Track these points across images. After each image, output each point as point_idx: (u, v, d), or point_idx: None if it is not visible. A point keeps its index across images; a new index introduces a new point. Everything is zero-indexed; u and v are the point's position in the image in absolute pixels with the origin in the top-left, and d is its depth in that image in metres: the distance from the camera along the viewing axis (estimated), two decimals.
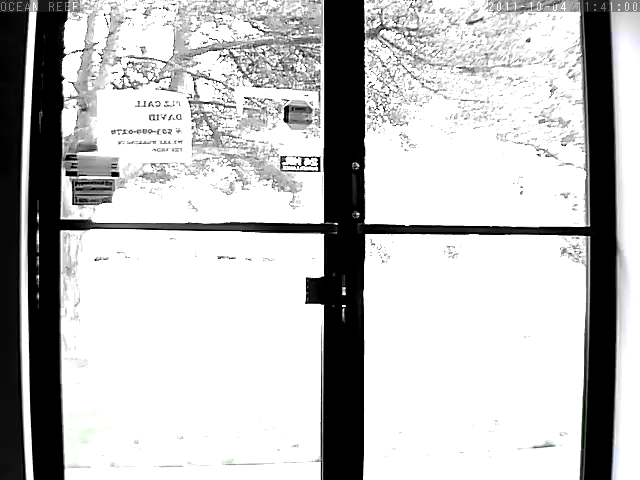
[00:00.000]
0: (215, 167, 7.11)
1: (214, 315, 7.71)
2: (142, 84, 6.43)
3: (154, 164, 6.70)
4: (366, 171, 2.74)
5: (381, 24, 6.40)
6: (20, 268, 2.47)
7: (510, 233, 5.04)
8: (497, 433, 5.75)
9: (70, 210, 3.20)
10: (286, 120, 2.82)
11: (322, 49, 2.77)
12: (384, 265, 7.80)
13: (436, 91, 6.75)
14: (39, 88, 2.55)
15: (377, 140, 6.69)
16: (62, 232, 2.64)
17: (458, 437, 5.63)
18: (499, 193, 7.46)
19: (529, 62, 6.69)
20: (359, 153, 2.74)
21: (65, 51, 2.67)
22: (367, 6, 2.88)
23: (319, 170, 2.77)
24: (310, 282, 2.70)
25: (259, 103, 6.05)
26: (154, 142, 2.75)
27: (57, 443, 2.61)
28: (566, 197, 7.38)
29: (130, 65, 6.44)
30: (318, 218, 2.74)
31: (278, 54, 6.56)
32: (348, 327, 2.70)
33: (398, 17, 6.44)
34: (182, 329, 7.42)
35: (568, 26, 6.32)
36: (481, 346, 7.51)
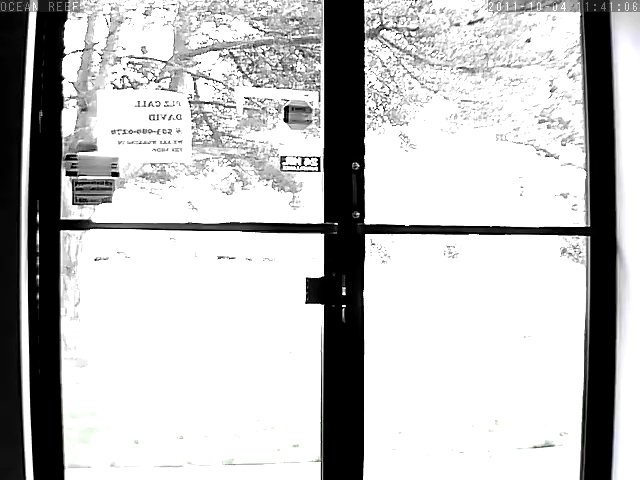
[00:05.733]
0: (215, 167, 7.11)
1: (214, 315, 7.71)
2: (142, 84, 6.43)
3: (154, 164, 6.69)
4: (366, 171, 2.74)
5: (381, 24, 6.40)
6: (20, 268, 2.47)
7: (510, 233, 5.04)
8: (497, 433, 5.75)
9: (70, 210, 3.20)
10: (286, 120, 2.83)
11: (322, 49, 2.77)
12: (384, 265, 7.80)
13: (436, 91, 6.75)
14: (39, 88, 2.55)
15: (377, 140, 6.69)
16: (62, 232, 2.64)
17: (458, 437, 5.63)
18: (499, 193, 7.46)
19: (529, 62, 6.69)
20: (359, 153, 2.75)
21: (65, 51, 2.67)
22: (367, 6, 2.88)
23: (319, 170, 2.77)
24: (310, 282, 2.70)
25: (259, 103, 6.05)
26: (154, 142, 2.75)
27: (57, 443, 2.61)
28: (566, 197, 7.37)
29: (130, 65, 6.44)
30: (318, 218, 2.74)
31: (278, 54, 6.55)
32: (348, 327, 2.70)
33: (398, 17, 6.44)
34: (182, 329, 7.42)
35: (568, 26, 6.32)
36: (481, 346, 7.51)
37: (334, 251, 2.71)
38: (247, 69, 6.62)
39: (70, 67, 6.20)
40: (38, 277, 2.57)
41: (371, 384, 2.79)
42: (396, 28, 6.49)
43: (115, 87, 6.35)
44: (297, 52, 6.54)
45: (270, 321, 7.53)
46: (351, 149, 2.74)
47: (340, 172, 2.72)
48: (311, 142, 2.84)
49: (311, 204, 6.65)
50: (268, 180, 6.98)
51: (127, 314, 7.70)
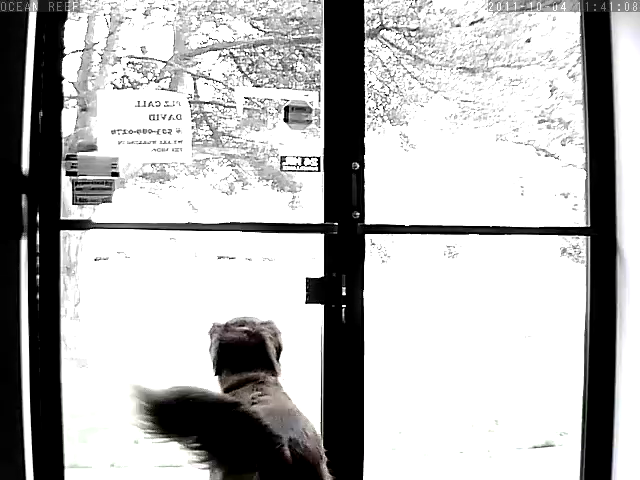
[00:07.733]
0: (215, 167, 7.11)
1: (214, 315, 7.69)
2: (142, 84, 6.43)
3: (154, 164, 6.70)
4: (366, 171, 2.74)
5: (381, 24, 6.40)
6: (20, 268, 2.46)
7: (510, 233, 5.05)
8: (497, 433, 5.74)
9: (70, 210, 3.20)
10: (286, 120, 2.83)
11: (322, 49, 2.77)
12: (384, 265, 7.80)
13: (436, 91, 6.75)
14: (39, 88, 2.55)
15: (377, 140, 6.69)
16: (62, 232, 2.64)
17: (458, 437, 5.63)
18: (499, 193, 7.46)
19: (529, 62, 6.69)
20: (359, 153, 2.75)
21: (65, 51, 2.67)
22: (367, 6, 2.88)
23: (319, 170, 2.77)
24: (310, 282, 2.70)
25: (259, 103, 6.05)
26: (154, 142, 2.76)
27: (57, 443, 2.61)
28: (566, 197, 7.37)
29: (130, 65, 6.44)
30: (318, 218, 2.74)
31: (278, 54, 6.55)
32: (348, 327, 2.70)
33: (398, 17, 6.44)
34: (182, 329, 7.41)
35: (568, 26, 6.31)
36: (481, 346, 7.51)
37: (334, 251, 2.71)
38: (247, 69, 6.61)
39: (70, 67, 6.20)
40: (38, 277, 2.56)
41: (371, 384, 2.79)
42: (396, 28, 6.49)
43: (115, 87, 6.35)
44: (297, 52, 6.54)
45: None
46: (351, 149, 2.74)
47: (340, 172, 2.72)
48: (311, 142, 2.84)
49: (311, 204, 6.65)
50: (268, 180, 6.98)
51: (127, 314, 7.70)
